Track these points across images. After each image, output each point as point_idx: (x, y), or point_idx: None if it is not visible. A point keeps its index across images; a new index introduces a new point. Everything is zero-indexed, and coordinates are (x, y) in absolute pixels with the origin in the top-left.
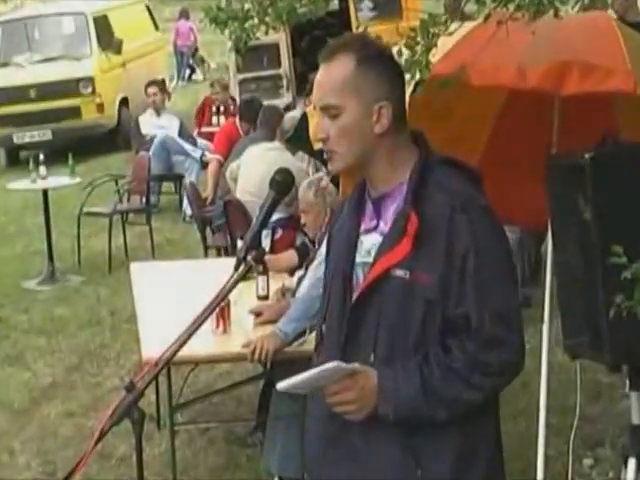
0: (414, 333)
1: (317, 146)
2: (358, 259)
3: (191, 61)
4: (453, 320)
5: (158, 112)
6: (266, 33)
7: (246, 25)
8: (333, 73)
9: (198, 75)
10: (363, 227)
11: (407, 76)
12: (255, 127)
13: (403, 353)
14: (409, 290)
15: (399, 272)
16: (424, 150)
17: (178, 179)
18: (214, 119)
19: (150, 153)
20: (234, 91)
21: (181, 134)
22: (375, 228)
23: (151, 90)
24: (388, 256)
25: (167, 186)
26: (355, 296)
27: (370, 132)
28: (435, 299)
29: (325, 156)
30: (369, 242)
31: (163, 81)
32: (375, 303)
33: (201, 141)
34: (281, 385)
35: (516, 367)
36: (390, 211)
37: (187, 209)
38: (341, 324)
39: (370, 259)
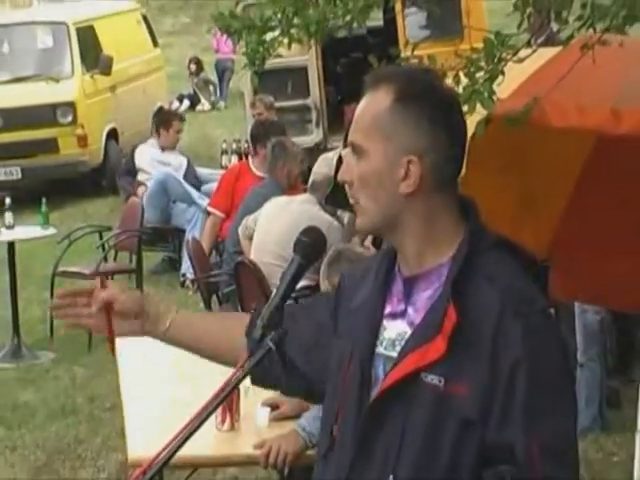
0: (445, 458)
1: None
2: (379, 349)
3: (194, 87)
4: (493, 448)
5: (163, 147)
6: (289, 47)
7: (265, 37)
8: (368, 106)
9: (204, 104)
10: (389, 309)
11: (464, 108)
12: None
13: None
14: (442, 403)
15: (431, 378)
16: (474, 226)
17: (177, 233)
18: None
19: (145, 197)
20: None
21: (186, 176)
22: (402, 314)
23: (177, 125)
24: (417, 354)
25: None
26: (373, 396)
27: (395, 189)
28: (473, 418)
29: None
30: (394, 331)
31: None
32: (398, 413)
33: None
34: None
35: None
36: (423, 298)
37: (188, 272)
38: (356, 428)
39: (394, 353)
